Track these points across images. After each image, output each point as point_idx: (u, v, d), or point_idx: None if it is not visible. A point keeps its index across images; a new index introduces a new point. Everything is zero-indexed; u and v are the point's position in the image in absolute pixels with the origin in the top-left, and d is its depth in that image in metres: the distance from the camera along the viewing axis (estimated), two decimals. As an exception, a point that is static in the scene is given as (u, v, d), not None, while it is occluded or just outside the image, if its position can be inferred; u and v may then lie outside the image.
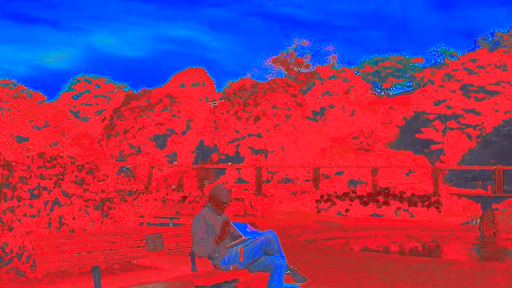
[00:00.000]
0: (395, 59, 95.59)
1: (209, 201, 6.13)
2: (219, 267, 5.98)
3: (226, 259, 5.90)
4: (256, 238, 5.81)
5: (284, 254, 5.88)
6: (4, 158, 8.98)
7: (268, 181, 52.45)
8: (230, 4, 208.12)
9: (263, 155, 57.57)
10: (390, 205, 25.56)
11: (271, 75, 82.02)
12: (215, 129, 60.40)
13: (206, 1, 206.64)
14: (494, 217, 13.74)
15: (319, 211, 26.92)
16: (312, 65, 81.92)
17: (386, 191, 28.16)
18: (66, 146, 49.18)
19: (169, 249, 6.12)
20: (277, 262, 5.70)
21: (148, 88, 67.96)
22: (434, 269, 9.27)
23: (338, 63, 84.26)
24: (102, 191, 9.58)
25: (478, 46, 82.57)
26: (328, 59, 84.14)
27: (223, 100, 67.47)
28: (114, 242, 5.34)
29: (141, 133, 61.19)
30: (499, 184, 33.31)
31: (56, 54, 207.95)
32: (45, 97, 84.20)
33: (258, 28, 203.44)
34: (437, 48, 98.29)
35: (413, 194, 27.45)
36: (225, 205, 6.10)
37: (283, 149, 57.53)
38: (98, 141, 61.54)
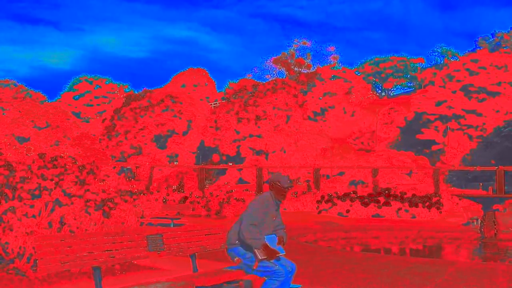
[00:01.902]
0: (396, 59, 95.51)
1: (270, 189, 6.05)
2: (231, 256, 5.89)
3: (243, 253, 5.81)
4: (277, 264, 5.72)
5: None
6: (5, 158, 8.97)
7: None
8: (232, 5, 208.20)
9: (264, 155, 57.57)
10: (391, 206, 25.56)
11: (271, 75, 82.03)
12: (216, 130, 60.42)
13: (208, 2, 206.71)
14: (495, 218, 13.74)
15: (320, 212, 26.91)
16: (313, 65, 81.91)
17: (387, 191, 28.16)
18: (67, 146, 49.19)
19: (170, 250, 6.12)
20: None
21: (149, 89, 67.99)
22: (435, 269, 9.27)
23: (339, 63, 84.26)
24: (103, 191, 9.58)
25: (479, 47, 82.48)
26: (329, 60, 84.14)
27: (224, 101, 67.44)
28: (115, 243, 5.34)
29: (142, 133, 61.20)
30: (500, 185, 33.26)
31: (58, 55, 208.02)
32: (46, 97, 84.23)
33: (259, 29, 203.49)
34: (438, 48, 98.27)
35: (414, 195, 27.44)
36: (287, 191, 6.06)
37: (284, 150, 57.53)
38: (99, 142, 61.56)
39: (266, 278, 5.73)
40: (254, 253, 5.68)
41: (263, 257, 5.62)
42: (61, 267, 4.81)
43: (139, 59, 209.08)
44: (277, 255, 5.71)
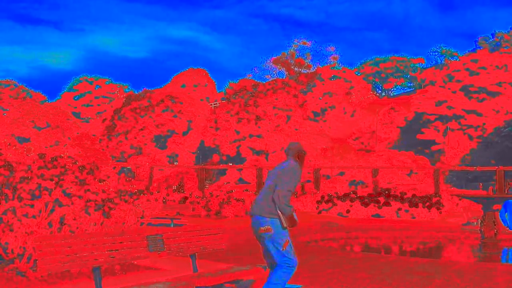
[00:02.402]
0: (396, 59, 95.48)
1: (297, 158, 6.18)
2: (260, 223, 5.83)
3: (278, 226, 5.80)
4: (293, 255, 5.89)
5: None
6: (5, 159, 8.97)
7: (269, 181, 52.32)
8: (232, 5, 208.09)
9: (264, 155, 57.56)
10: (391, 206, 25.54)
11: (271, 75, 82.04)
12: (216, 130, 60.41)
13: (208, 2, 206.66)
14: (495, 218, 13.73)
15: (320, 212, 26.90)
16: (313, 65, 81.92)
17: (387, 192, 28.16)
18: (67, 146, 49.18)
19: (170, 250, 6.12)
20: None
21: (149, 89, 67.99)
22: (435, 270, 9.27)
23: (339, 63, 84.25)
24: (103, 191, 9.57)
25: (479, 47, 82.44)
26: (329, 60, 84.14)
27: (224, 101, 67.44)
28: (115, 243, 5.34)
29: (142, 133, 61.20)
30: (500, 185, 33.24)
31: (58, 55, 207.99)
32: (46, 97, 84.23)
33: (259, 29, 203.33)
34: (438, 48, 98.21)
35: (414, 195, 27.42)
36: None
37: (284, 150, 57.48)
38: (100, 142, 61.57)
39: (277, 264, 5.77)
40: (280, 220, 5.75)
41: (287, 225, 5.77)
42: (61, 267, 4.81)
43: (139, 59, 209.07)
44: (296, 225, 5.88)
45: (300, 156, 6.17)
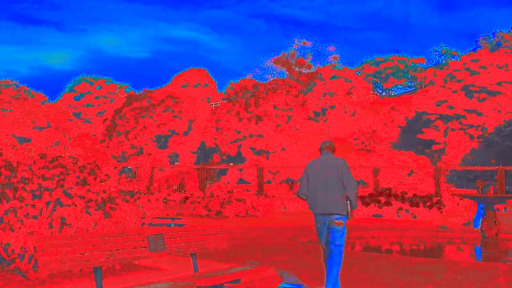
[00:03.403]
0: (397, 59, 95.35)
1: (333, 151, 6.82)
2: (337, 220, 6.64)
3: (345, 222, 6.62)
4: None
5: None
6: (6, 159, 8.97)
7: (269, 181, 52.41)
8: (233, 6, 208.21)
9: (265, 155, 57.56)
10: (391, 206, 25.53)
11: (272, 75, 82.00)
12: (216, 130, 60.41)
13: (209, 2, 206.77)
14: (496, 218, 13.72)
15: (320, 212, 26.83)
16: (314, 65, 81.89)
17: (387, 191, 28.13)
18: (68, 146, 49.19)
19: (171, 250, 6.12)
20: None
21: (150, 89, 67.98)
22: (435, 269, 9.27)
23: (340, 63, 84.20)
24: (104, 191, 9.57)
25: (479, 47, 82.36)
26: (330, 60, 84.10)
27: (225, 101, 67.48)
28: (115, 243, 5.35)
29: (143, 133, 61.21)
30: (501, 184, 33.19)
31: (59, 55, 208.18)
32: (47, 97, 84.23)
33: (260, 29, 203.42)
34: (438, 48, 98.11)
35: (414, 195, 27.38)
36: None
37: (285, 150, 57.51)
38: (100, 142, 61.59)
39: (332, 253, 6.64)
40: (347, 212, 6.65)
41: (350, 217, 6.66)
42: (62, 267, 4.82)
43: (140, 60, 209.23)
44: None
45: (335, 150, 6.81)
